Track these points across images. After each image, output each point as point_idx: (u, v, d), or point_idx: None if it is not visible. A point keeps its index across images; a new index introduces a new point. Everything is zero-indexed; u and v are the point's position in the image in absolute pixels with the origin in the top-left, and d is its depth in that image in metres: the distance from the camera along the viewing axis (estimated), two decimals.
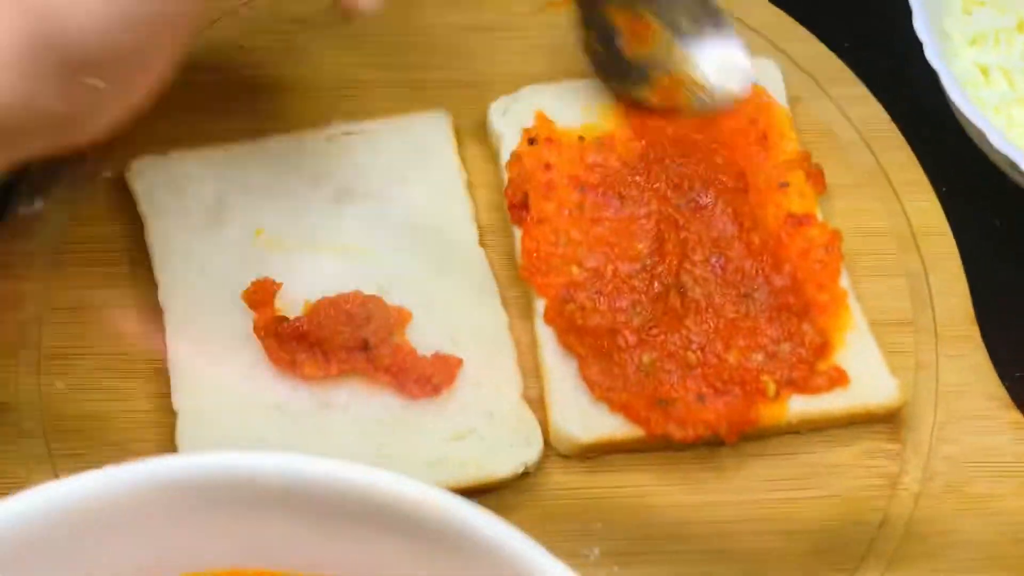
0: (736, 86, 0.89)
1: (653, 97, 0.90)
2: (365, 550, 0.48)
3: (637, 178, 0.90)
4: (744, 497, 0.83)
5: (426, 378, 0.81)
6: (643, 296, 0.86)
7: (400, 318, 0.83)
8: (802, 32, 1.02)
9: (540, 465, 0.82)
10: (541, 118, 0.93)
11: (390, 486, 0.46)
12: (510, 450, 0.80)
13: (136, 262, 0.89)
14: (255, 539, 0.49)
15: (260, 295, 0.84)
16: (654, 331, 0.84)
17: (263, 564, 0.49)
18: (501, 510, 0.81)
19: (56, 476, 0.82)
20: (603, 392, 0.81)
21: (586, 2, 0.89)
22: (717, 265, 0.87)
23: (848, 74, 1.01)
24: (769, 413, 0.83)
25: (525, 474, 0.82)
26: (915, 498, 0.84)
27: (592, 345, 0.83)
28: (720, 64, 0.91)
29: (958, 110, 0.92)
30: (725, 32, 0.90)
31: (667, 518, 0.82)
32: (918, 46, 0.95)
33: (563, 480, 0.83)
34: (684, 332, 0.85)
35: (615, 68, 0.91)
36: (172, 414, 0.82)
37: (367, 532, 0.47)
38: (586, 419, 0.82)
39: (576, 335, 0.83)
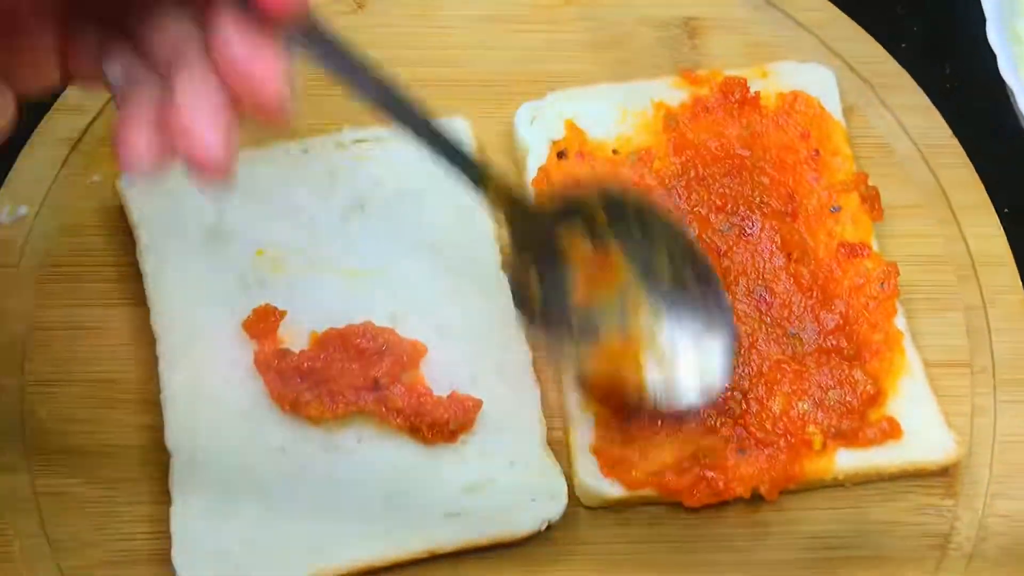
0: (705, 382, 0.66)
1: (593, 361, 0.67)
2: None
3: (676, 198, 0.82)
4: (783, 556, 0.77)
5: (442, 422, 0.74)
6: None
7: (414, 353, 0.76)
8: (858, 31, 0.93)
9: (564, 515, 0.76)
10: (572, 128, 0.85)
11: None
12: (532, 505, 0.74)
13: (127, 278, 0.82)
14: None
15: (262, 324, 0.76)
16: None
17: None
18: (520, 565, 0.78)
19: (40, 516, 0.76)
20: (613, 468, 0.74)
21: (527, 218, 0.65)
22: (762, 300, 0.80)
23: (907, 80, 0.92)
24: (814, 468, 0.76)
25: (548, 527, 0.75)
26: (967, 560, 0.77)
27: (609, 399, 0.75)
28: (695, 343, 0.66)
29: None
30: (710, 295, 0.67)
31: (695, 572, 0.76)
32: (987, 52, 0.86)
33: (588, 535, 0.76)
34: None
35: (554, 311, 0.66)
36: (164, 451, 0.75)
37: None
38: None
39: (590, 390, 0.76)
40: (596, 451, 0.75)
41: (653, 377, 0.66)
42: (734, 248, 0.81)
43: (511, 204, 0.65)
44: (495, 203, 0.65)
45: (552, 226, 0.66)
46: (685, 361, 0.66)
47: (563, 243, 0.65)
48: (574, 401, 0.77)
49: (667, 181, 0.83)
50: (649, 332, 0.66)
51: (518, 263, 0.67)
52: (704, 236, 0.81)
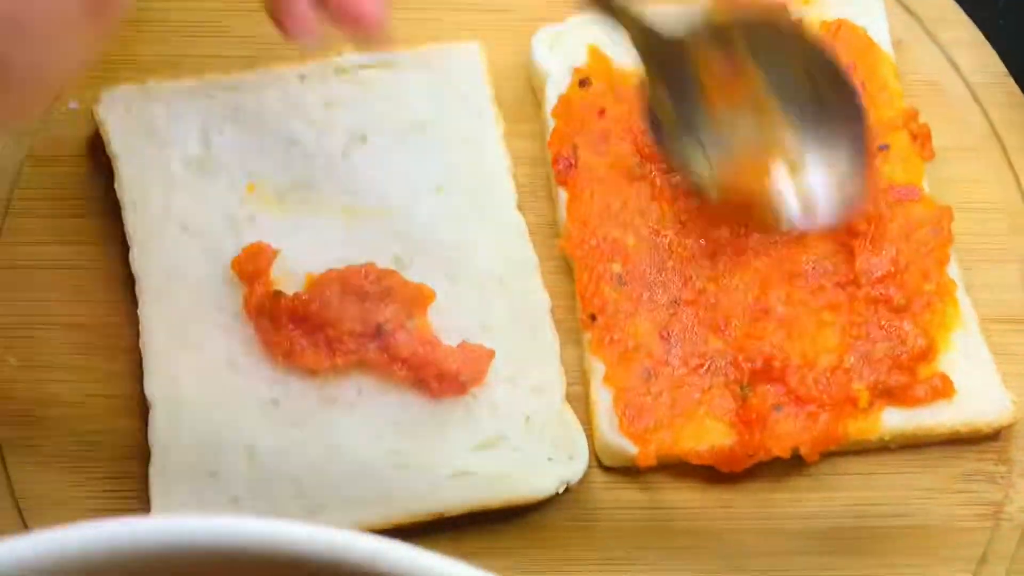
0: (843, 200, 0.65)
1: (727, 178, 0.66)
2: None
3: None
4: (820, 524, 0.70)
5: (451, 373, 0.67)
6: (706, 276, 0.72)
7: (421, 298, 0.69)
8: None
9: (581, 478, 0.69)
10: (595, 55, 0.77)
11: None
12: (549, 466, 0.67)
13: (103, 213, 0.74)
14: None
15: (253, 264, 0.69)
16: (721, 321, 0.71)
17: None
18: (531, 529, 0.69)
19: (6, 473, 0.69)
20: (631, 426, 0.68)
21: (661, 44, 0.64)
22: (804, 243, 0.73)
23: (960, 15, 0.84)
24: (859, 428, 0.69)
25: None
26: (1021, 532, 0.71)
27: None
28: (832, 158, 0.66)
29: None
30: (849, 113, 0.66)
31: (729, 549, 0.69)
32: None
33: (607, 498, 0.70)
34: (761, 326, 0.71)
35: (685, 130, 0.65)
36: (143, 402, 0.68)
37: None
38: None
39: (601, 342, 0.69)
40: (616, 406, 0.68)
41: (788, 192, 0.65)
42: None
43: (642, 30, 0.64)
44: (625, 29, 0.65)
45: (687, 52, 0.65)
46: (822, 176, 0.65)
47: (698, 69, 0.65)
48: (589, 351, 0.70)
49: None
50: (785, 147, 0.65)
51: (650, 84, 0.66)
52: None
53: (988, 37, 0.84)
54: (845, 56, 0.77)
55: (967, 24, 0.84)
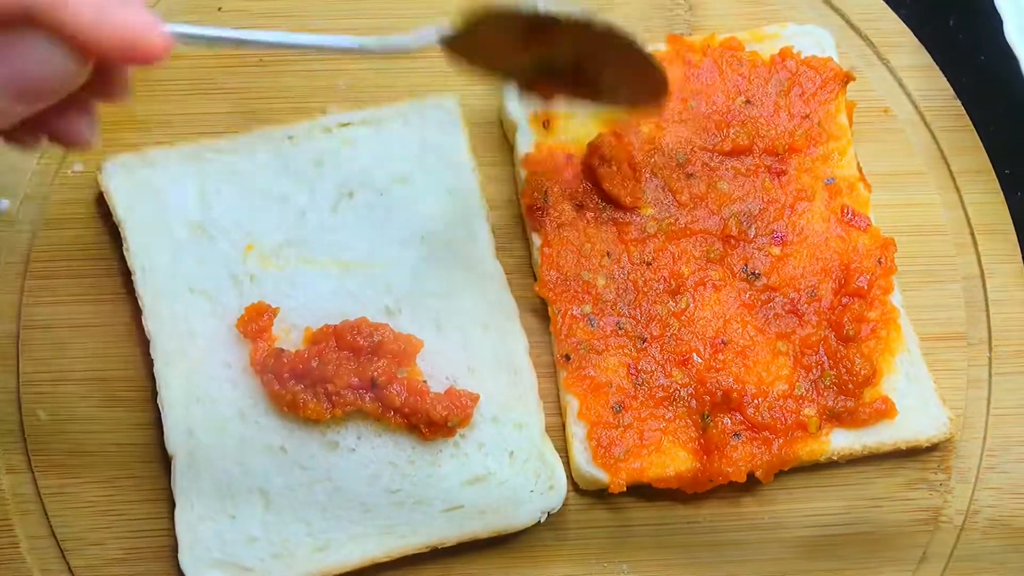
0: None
1: None
2: None
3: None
4: (778, 535, 0.78)
5: (440, 420, 0.74)
6: (669, 312, 0.78)
7: (410, 348, 0.76)
8: None
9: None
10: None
11: None
12: (531, 497, 0.75)
13: (116, 272, 0.80)
14: None
15: (255, 324, 0.76)
16: (684, 356, 0.78)
17: None
18: (513, 548, 0.76)
19: (46, 517, 0.77)
20: (605, 456, 0.74)
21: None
22: (757, 269, 0.79)
23: (910, 39, 0.89)
24: (809, 450, 0.77)
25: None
26: (957, 532, 0.79)
27: (594, 389, 0.76)
28: None
29: None
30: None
31: (693, 560, 0.77)
32: (992, 12, 0.83)
33: (582, 519, 0.78)
34: (720, 359, 0.78)
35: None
36: (164, 447, 0.76)
37: None
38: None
39: (574, 380, 0.76)
40: (590, 438, 0.75)
41: None
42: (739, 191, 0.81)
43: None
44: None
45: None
46: None
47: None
48: (564, 388, 0.77)
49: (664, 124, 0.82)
50: None
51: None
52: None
53: (937, 62, 0.88)
54: (803, 87, 0.83)
55: (918, 49, 0.89)
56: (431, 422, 0.74)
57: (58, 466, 0.77)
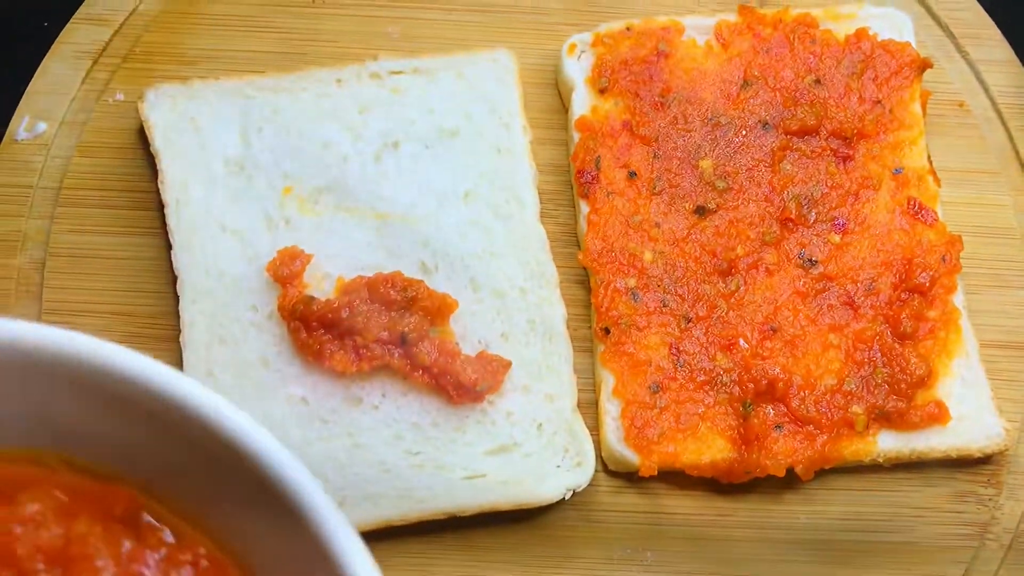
0: None
1: None
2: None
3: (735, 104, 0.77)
4: (813, 536, 0.74)
5: (469, 383, 0.71)
6: (718, 293, 0.75)
7: (444, 308, 0.73)
8: None
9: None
10: (615, 60, 0.78)
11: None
12: (557, 472, 0.72)
13: (148, 205, 0.78)
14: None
15: (287, 268, 0.73)
16: (730, 341, 0.74)
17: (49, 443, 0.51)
18: (536, 527, 0.73)
19: None
20: (640, 437, 0.71)
21: None
22: (814, 255, 0.76)
23: (993, 32, 0.84)
24: (854, 450, 0.73)
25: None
26: (1004, 552, 0.75)
27: (632, 366, 0.73)
28: None
29: None
30: None
31: (722, 555, 0.74)
32: None
33: (609, 501, 0.74)
34: (768, 346, 0.74)
35: None
36: None
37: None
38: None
39: (612, 355, 0.73)
40: (623, 417, 0.72)
41: None
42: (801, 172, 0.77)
43: None
44: None
45: None
46: None
47: None
48: (601, 363, 0.74)
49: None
50: None
51: None
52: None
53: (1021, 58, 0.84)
54: (877, 71, 0.79)
55: (1000, 42, 0.84)
56: (459, 385, 0.71)
57: None
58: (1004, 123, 0.83)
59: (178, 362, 0.74)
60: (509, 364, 0.72)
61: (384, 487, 0.71)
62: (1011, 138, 0.83)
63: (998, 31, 0.84)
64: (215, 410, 0.48)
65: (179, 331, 0.74)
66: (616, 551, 0.73)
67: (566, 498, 0.72)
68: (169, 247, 0.76)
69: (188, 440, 0.48)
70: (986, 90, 0.83)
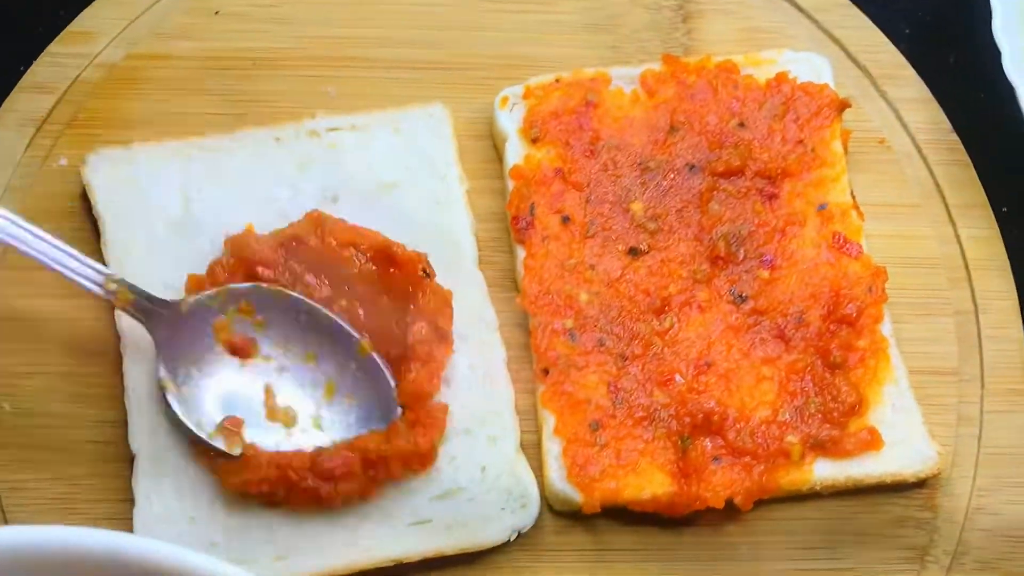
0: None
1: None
2: None
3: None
4: (756, 567, 0.75)
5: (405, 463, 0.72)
6: (653, 331, 0.77)
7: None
8: (860, 18, 0.89)
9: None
10: (546, 112, 0.81)
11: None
12: (502, 515, 0.73)
13: None
14: None
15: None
16: (664, 379, 0.76)
17: None
18: (485, 569, 0.73)
19: (3, 512, 0.75)
20: (581, 476, 0.72)
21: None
22: (744, 289, 0.78)
23: (909, 72, 0.88)
24: (791, 479, 0.74)
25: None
26: (944, 573, 0.76)
27: (572, 405, 0.74)
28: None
29: None
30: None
31: None
32: (993, 48, 0.83)
33: (554, 540, 0.75)
34: (703, 381, 0.76)
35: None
36: (128, 448, 0.74)
37: None
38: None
39: (552, 395, 0.75)
40: (565, 455, 0.73)
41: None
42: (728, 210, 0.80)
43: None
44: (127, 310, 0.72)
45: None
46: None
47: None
48: (541, 404, 0.75)
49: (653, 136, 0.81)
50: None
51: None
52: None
53: (936, 96, 0.88)
54: (798, 113, 0.82)
55: (916, 81, 0.88)
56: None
57: (19, 460, 0.76)
58: (924, 158, 0.86)
59: (125, 420, 0.75)
60: (446, 408, 0.73)
61: (333, 537, 0.71)
62: (931, 172, 0.86)
63: (913, 71, 0.88)
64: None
65: (124, 390, 0.75)
66: None
67: (511, 539, 0.73)
68: (113, 308, 0.77)
69: None
70: (905, 127, 0.87)
